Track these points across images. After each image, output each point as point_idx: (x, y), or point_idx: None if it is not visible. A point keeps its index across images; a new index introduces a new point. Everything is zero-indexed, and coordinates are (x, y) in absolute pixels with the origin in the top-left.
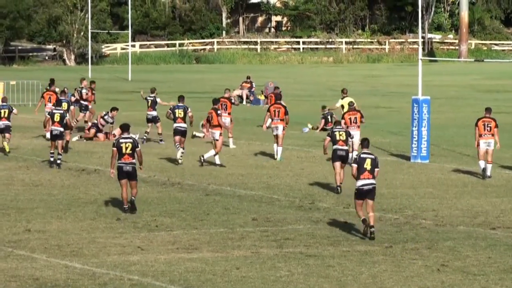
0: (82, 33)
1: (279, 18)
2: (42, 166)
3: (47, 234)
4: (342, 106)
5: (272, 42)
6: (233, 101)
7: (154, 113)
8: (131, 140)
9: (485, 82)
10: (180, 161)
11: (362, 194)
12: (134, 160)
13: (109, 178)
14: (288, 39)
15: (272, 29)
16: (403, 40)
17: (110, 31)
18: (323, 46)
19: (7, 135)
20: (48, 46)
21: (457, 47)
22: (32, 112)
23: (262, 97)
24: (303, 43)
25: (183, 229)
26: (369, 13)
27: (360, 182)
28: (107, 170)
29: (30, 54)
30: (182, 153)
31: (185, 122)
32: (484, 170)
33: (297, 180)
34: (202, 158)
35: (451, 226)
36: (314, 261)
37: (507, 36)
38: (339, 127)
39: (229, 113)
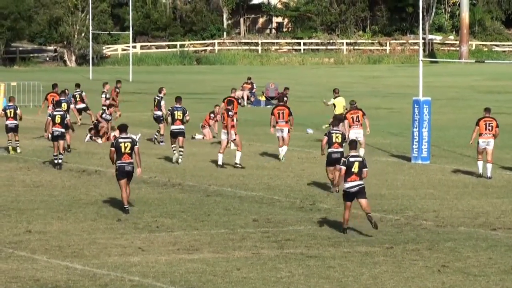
0: (83, 34)
1: (280, 19)
2: (43, 167)
3: (47, 235)
4: (334, 106)
5: (273, 43)
6: (239, 101)
7: (159, 113)
8: (130, 140)
9: (486, 83)
10: (180, 160)
11: (350, 196)
12: (133, 160)
13: (110, 179)
14: (289, 40)
15: (273, 30)
16: (404, 41)
17: (111, 32)
18: (324, 47)
19: (15, 135)
20: (49, 47)
21: (457, 48)
22: (32, 113)
23: (263, 98)
24: (304, 44)
25: (184, 230)
26: (370, 14)
27: (347, 184)
28: (108, 171)
29: (31, 55)
30: (181, 155)
31: (183, 124)
32: (481, 174)
33: (298, 181)
34: (238, 165)
35: (452, 227)
36: (315, 262)
37: (507, 37)
38: (336, 129)
39: (235, 113)
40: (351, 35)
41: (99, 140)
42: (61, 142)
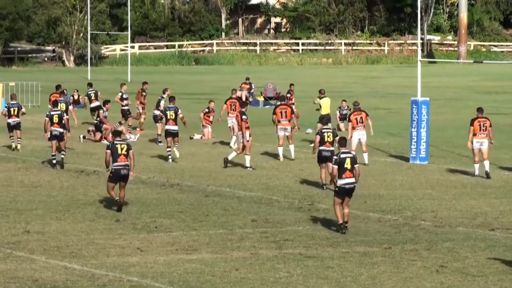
0: (81, 35)
1: (278, 19)
2: (41, 167)
3: (46, 235)
4: (320, 106)
5: (271, 43)
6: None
7: (156, 112)
8: (125, 142)
9: (484, 84)
10: (176, 153)
11: (343, 193)
12: (128, 162)
13: None
14: (287, 41)
15: (272, 31)
16: (402, 42)
17: (109, 33)
18: (322, 48)
19: (18, 132)
20: (47, 47)
21: (456, 49)
22: (31, 113)
23: (261, 99)
24: (302, 44)
25: (183, 230)
26: (368, 15)
27: (342, 181)
28: (106, 172)
29: (29, 55)
30: (176, 146)
31: (176, 124)
32: (478, 175)
33: (296, 181)
34: (249, 167)
35: (450, 227)
36: (313, 262)
37: (506, 38)
38: (327, 127)
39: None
40: (349, 36)
41: (97, 136)
42: (61, 143)
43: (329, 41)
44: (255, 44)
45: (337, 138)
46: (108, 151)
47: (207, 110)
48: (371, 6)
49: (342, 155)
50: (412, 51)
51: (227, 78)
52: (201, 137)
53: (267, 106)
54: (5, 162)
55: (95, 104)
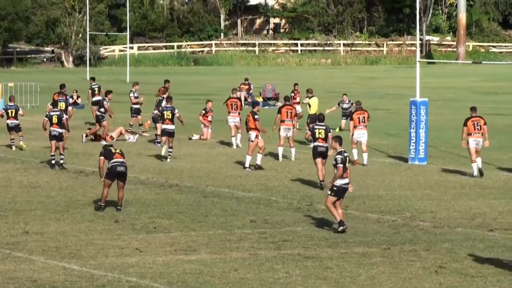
0: (80, 35)
1: (277, 20)
2: (40, 168)
3: (45, 236)
4: (309, 105)
5: (270, 44)
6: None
7: (156, 112)
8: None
9: (483, 84)
10: (168, 159)
11: (342, 192)
12: (125, 160)
13: None
14: (286, 41)
15: (270, 31)
16: (401, 42)
17: (108, 33)
18: (321, 48)
19: (19, 133)
20: (46, 48)
21: (455, 49)
22: (30, 114)
23: (260, 99)
24: (301, 45)
25: (181, 231)
26: (367, 15)
27: (342, 181)
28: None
29: (28, 56)
30: (169, 155)
31: (173, 124)
32: (476, 175)
33: (295, 182)
34: (249, 168)
35: (449, 228)
36: (312, 262)
37: (504, 38)
38: (319, 124)
39: (239, 113)
40: (348, 36)
41: (96, 127)
42: (60, 143)
43: (328, 42)
44: (254, 45)
45: (329, 135)
46: (102, 157)
47: (203, 111)
48: (370, 7)
49: (345, 154)
50: (411, 52)
51: (226, 79)
52: (200, 137)
53: (266, 107)
54: (4, 163)
55: (97, 98)
